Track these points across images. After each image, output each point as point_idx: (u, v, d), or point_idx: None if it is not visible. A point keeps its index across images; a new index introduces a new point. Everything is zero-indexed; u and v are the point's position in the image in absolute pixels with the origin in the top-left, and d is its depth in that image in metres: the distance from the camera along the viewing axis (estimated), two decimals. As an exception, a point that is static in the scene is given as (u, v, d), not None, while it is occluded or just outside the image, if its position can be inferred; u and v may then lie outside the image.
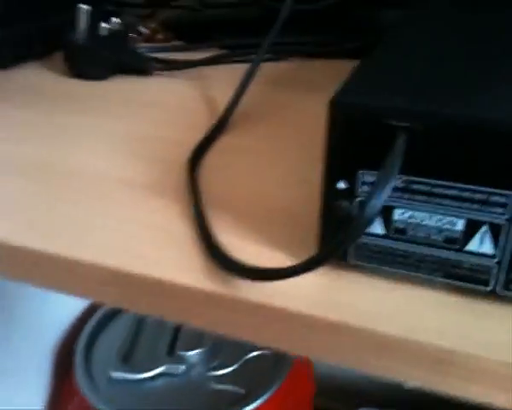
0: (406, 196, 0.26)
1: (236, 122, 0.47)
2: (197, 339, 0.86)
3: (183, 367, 0.83)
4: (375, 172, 0.26)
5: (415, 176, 0.25)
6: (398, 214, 0.26)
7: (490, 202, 0.24)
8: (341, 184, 0.27)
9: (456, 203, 0.25)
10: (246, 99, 0.50)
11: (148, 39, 0.74)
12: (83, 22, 0.57)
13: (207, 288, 0.28)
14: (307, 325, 0.27)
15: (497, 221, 0.25)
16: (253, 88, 0.53)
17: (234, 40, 0.68)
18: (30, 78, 0.59)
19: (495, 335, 0.25)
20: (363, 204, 0.25)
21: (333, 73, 0.59)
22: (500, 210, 0.24)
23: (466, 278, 0.26)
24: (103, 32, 0.60)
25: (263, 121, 0.47)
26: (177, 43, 0.73)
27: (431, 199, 0.25)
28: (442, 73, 0.28)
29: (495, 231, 0.25)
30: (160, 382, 0.83)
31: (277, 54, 0.62)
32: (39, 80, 0.58)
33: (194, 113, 0.50)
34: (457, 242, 0.26)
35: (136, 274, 0.29)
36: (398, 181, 0.26)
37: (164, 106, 0.52)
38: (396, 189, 0.26)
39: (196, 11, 0.73)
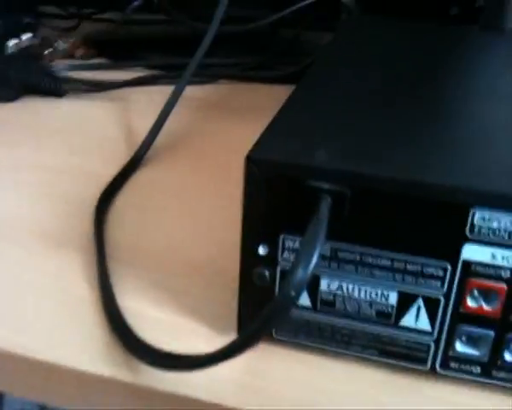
0: (333, 264, 0.23)
1: (157, 152, 0.43)
2: None
3: None
4: (298, 238, 0.22)
5: (342, 242, 0.22)
6: (324, 285, 0.23)
7: (425, 273, 0.22)
8: (261, 250, 0.23)
9: (389, 274, 0.22)
10: (170, 125, 0.46)
11: (68, 55, 0.68)
12: (-14, 39, 0.51)
13: (106, 373, 0.24)
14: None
15: (433, 295, 0.22)
16: (179, 112, 0.49)
17: (161, 60, 0.63)
18: None
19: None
20: (286, 276, 0.21)
21: (263, 98, 0.56)
22: (436, 283, 0.22)
23: (402, 356, 0.23)
24: (12, 50, 0.54)
25: (185, 151, 0.43)
26: (98, 60, 0.67)
27: (361, 269, 0.22)
28: (369, 121, 0.25)
29: (431, 306, 0.22)
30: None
31: (206, 77, 0.59)
32: None
33: (111, 141, 0.45)
34: (391, 316, 0.23)
35: (16, 354, 0.25)
36: (324, 248, 0.22)
37: (77, 133, 0.47)
38: (322, 256, 0.23)
39: (120, 26, 0.68)
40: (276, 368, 0.24)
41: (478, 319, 0.22)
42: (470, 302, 0.22)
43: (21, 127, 0.47)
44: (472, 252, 0.21)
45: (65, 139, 0.45)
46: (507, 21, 0.41)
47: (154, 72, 0.59)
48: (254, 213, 0.22)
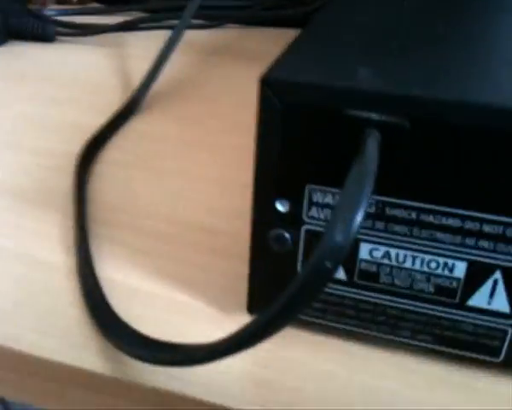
0: (378, 224, 0.17)
1: (153, 101, 0.37)
2: None
3: None
4: (332, 190, 0.17)
5: (393, 197, 0.16)
6: (365, 252, 0.17)
7: (507, 237, 0.16)
8: (280, 205, 0.17)
9: (456, 237, 0.16)
10: (169, 71, 0.40)
11: (63, 1, 0.62)
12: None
13: (84, 365, 0.19)
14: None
15: (517, 266, 0.16)
16: (179, 58, 0.43)
17: (161, 3, 0.57)
18: None
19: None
20: (317, 242, 0.15)
21: (273, 43, 0.49)
22: (523, 250, 0.16)
23: (467, 346, 0.18)
24: (-7, -11, 0.48)
25: (184, 100, 0.37)
26: (94, 5, 0.61)
27: (417, 230, 0.17)
28: (406, 49, 0.19)
29: (513, 281, 0.17)
30: None
31: (212, 20, 0.52)
32: None
33: (104, 89, 0.39)
34: (456, 294, 0.17)
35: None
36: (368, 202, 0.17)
37: (66, 80, 0.41)
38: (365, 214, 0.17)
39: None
40: (299, 359, 0.19)
41: None
42: None
43: (6, 73, 0.41)
44: None
45: (52, 87, 0.39)
46: None
47: (153, 15, 0.53)
48: (271, 156, 0.17)
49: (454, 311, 0.17)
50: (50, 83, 0.40)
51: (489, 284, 0.17)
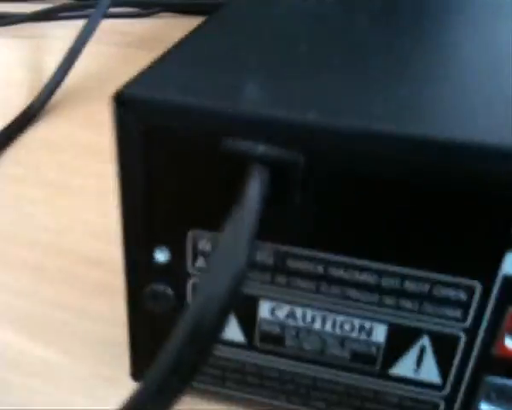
0: (280, 279, 0.14)
1: (62, 100, 0.33)
2: None
3: None
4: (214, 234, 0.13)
5: (294, 246, 0.13)
6: (266, 311, 0.14)
7: (436, 297, 0.13)
8: (158, 256, 0.14)
9: (374, 297, 0.13)
10: (85, 66, 0.35)
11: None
12: None
13: None
14: None
15: (447, 331, 0.13)
16: (100, 49, 0.39)
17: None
18: None
19: None
20: (194, 294, 0.12)
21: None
22: (454, 312, 0.13)
23: (391, 420, 0.15)
24: None
25: (97, 99, 0.33)
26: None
27: (325, 287, 0.13)
28: (316, 57, 0.16)
29: (443, 347, 0.13)
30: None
31: (143, 8, 0.48)
32: None
33: (8, 88, 0.35)
34: (376, 361, 0.14)
35: None
36: (264, 253, 0.13)
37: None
38: (262, 266, 0.13)
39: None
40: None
41: (521, 367, 0.13)
42: (511, 343, 0.13)
43: None
44: (522, 264, 0.12)
45: None
46: None
47: (74, 2, 0.48)
48: (139, 197, 0.13)
49: (375, 380, 0.14)
50: None
51: (415, 350, 0.13)
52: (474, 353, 0.13)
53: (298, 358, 0.14)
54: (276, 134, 0.11)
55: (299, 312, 0.14)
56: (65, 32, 0.43)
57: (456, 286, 0.12)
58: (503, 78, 0.14)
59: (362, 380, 0.14)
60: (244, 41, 0.16)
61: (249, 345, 0.14)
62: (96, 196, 0.25)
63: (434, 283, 0.12)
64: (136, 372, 0.16)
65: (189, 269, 0.14)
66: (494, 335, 0.13)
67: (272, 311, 0.14)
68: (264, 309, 0.14)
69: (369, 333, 0.13)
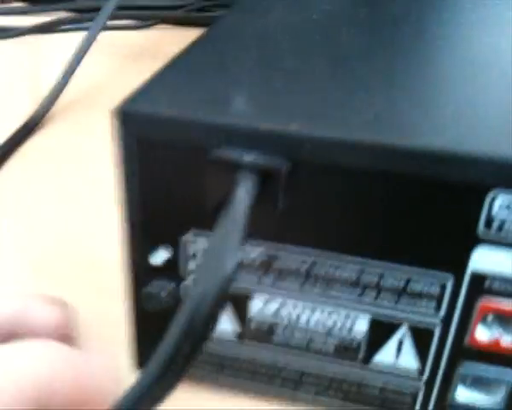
0: (268, 277, 0.15)
1: (63, 110, 0.34)
2: None
3: None
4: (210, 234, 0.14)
5: (280, 246, 0.14)
6: (256, 307, 0.15)
7: (412, 291, 0.14)
8: (156, 257, 0.15)
9: (355, 291, 0.14)
10: (84, 77, 0.36)
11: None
12: None
13: None
14: None
15: (423, 323, 0.14)
16: (100, 61, 0.40)
17: (86, 2, 0.53)
18: None
19: None
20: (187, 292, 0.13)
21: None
22: (429, 305, 0.14)
23: (377, 405, 0.16)
24: None
25: (95, 110, 0.34)
26: (17, 4, 0.57)
27: (311, 283, 0.14)
28: (301, 71, 0.17)
29: (421, 337, 0.14)
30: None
31: (142, 20, 0.49)
32: None
33: (12, 97, 0.36)
34: (358, 351, 0.15)
35: None
36: (253, 253, 0.14)
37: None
38: (252, 265, 0.15)
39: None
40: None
41: (491, 355, 0.14)
42: (481, 333, 0.14)
43: None
44: (487, 259, 0.13)
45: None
46: None
47: (75, 15, 0.49)
48: (138, 203, 0.14)
49: (358, 369, 0.15)
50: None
51: (394, 340, 0.14)
52: (449, 341, 0.14)
53: (287, 349, 0.15)
54: (261, 143, 0.12)
55: (287, 307, 0.15)
56: (64, 43, 0.45)
57: (430, 280, 0.13)
58: (475, 89, 0.15)
59: (347, 368, 0.15)
60: (234, 55, 0.17)
61: (242, 338, 0.16)
62: (95, 202, 0.26)
63: (410, 277, 0.14)
64: (138, 362, 0.17)
65: (184, 269, 0.15)
66: (466, 325, 0.14)
67: (263, 306, 0.15)
68: (255, 306, 0.15)
69: (352, 325, 0.15)
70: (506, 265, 0.13)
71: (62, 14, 0.51)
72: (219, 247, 0.12)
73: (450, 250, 0.13)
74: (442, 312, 0.14)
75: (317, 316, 0.15)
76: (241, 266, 0.14)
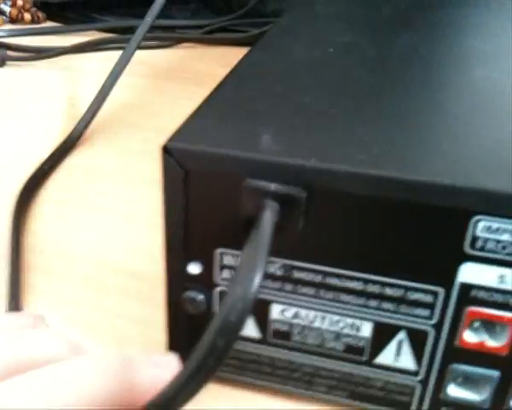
0: (287, 286, 0.17)
1: (99, 128, 0.37)
2: None
3: None
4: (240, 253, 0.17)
5: (299, 261, 0.17)
6: (277, 312, 0.18)
7: (409, 299, 0.16)
8: (192, 268, 0.18)
9: (360, 300, 0.17)
10: (119, 95, 0.39)
11: (15, 20, 0.61)
12: None
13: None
14: None
15: (419, 327, 0.17)
16: (131, 80, 0.43)
17: (117, 22, 0.56)
18: None
19: None
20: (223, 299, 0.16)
21: (226, 62, 0.50)
22: (424, 312, 0.16)
23: (379, 401, 0.18)
24: None
25: (132, 128, 0.37)
26: (48, 24, 0.60)
27: (323, 292, 0.17)
28: (324, 106, 0.19)
29: (417, 340, 0.17)
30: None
31: (165, 40, 0.52)
32: None
33: (51, 116, 0.39)
34: (363, 352, 0.17)
35: None
36: (275, 266, 0.17)
37: (12, 107, 0.40)
38: (273, 277, 0.17)
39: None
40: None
41: (478, 356, 0.16)
42: (469, 336, 0.16)
43: None
44: (473, 273, 0.15)
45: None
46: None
47: (108, 35, 0.53)
48: (178, 221, 0.17)
49: (363, 368, 0.18)
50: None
51: (394, 343, 0.17)
52: (441, 344, 0.16)
53: (302, 350, 0.18)
54: (284, 175, 0.15)
55: (303, 313, 0.17)
56: (99, 63, 0.48)
57: (424, 291, 0.16)
58: (468, 128, 0.18)
59: (353, 368, 0.18)
60: (260, 92, 0.20)
61: (263, 340, 0.18)
62: (128, 218, 0.28)
63: (408, 289, 0.16)
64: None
65: (216, 280, 0.17)
66: (456, 329, 0.16)
67: (282, 312, 0.17)
68: (275, 311, 0.17)
69: (358, 329, 0.17)
70: (490, 277, 0.15)
71: (94, 34, 0.55)
72: (248, 261, 0.14)
73: (441, 265, 0.15)
74: (435, 318, 0.16)
75: (328, 321, 0.17)
76: (266, 276, 0.16)
